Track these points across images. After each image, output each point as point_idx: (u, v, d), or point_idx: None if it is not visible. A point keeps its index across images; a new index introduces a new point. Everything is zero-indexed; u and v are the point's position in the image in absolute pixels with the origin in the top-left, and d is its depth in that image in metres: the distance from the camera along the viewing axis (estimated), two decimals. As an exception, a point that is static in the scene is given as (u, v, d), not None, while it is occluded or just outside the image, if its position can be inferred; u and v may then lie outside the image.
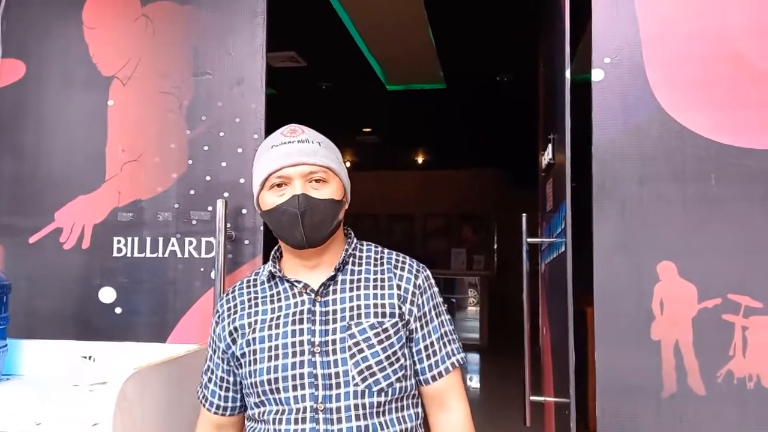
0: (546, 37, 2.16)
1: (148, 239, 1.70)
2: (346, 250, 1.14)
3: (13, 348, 1.50)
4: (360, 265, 1.14)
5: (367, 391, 1.05)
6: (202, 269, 1.67)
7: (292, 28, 3.71)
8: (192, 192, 1.70)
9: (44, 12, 1.80)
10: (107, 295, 1.71)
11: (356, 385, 1.05)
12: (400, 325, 1.09)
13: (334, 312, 1.08)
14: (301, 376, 1.06)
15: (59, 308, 1.72)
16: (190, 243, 1.69)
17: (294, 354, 1.07)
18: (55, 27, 1.78)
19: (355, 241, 1.18)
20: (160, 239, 1.70)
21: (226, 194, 1.67)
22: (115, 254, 1.71)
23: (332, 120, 6.26)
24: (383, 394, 1.06)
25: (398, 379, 1.08)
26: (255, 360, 1.08)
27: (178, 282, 1.68)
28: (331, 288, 1.11)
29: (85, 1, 1.77)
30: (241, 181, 1.68)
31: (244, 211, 1.67)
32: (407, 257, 1.18)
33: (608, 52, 1.45)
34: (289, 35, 3.94)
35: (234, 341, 1.12)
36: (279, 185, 1.08)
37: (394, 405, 1.08)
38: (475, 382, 5.82)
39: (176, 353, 1.42)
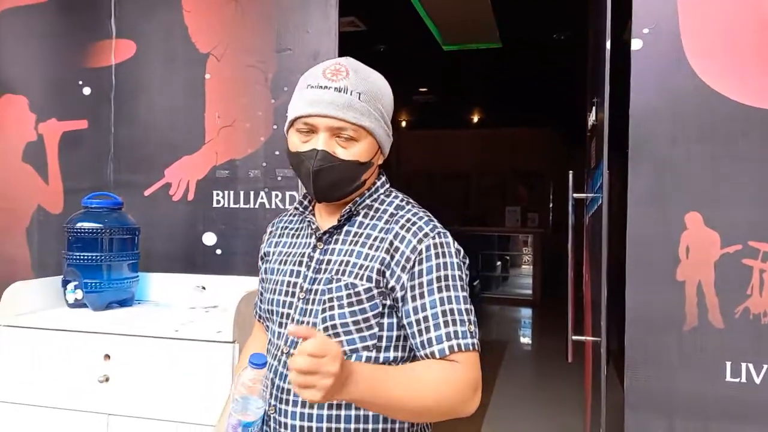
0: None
1: (242, 192, 2.02)
2: (356, 202, 1.06)
3: (142, 279, 1.87)
4: (372, 218, 1.06)
5: None
6: (286, 218, 1.98)
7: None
8: (276, 152, 1.99)
9: (149, -2, 2.09)
10: (209, 238, 2.05)
11: None
12: (375, 292, 1.00)
13: (328, 262, 1.04)
14: (285, 315, 1.06)
15: (170, 249, 2.07)
16: (276, 196, 1.99)
17: (286, 293, 1.07)
18: (160, 11, 2.07)
19: (379, 192, 1.10)
20: (251, 192, 2.01)
21: (305, 154, 1.94)
22: (214, 205, 2.04)
23: (389, 80, 6.46)
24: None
25: (366, 348, 1.01)
26: (265, 288, 1.13)
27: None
28: (334, 237, 1.07)
29: (184, -13, 2.05)
30: (318, 142, 1.95)
31: (321, 168, 1.95)
32: (426, 219, 1.05)
33: (647, 23, 1.60)
34: (350, 1, 4.13)
35: (263, 263, 1.17)
36: (306, 130, 1.01)
37: None
38: (526, 337, 6.07)
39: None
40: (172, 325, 1.50)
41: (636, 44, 1.61)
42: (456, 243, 1.06)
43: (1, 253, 2.25)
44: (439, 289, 0.99)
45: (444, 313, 0.98)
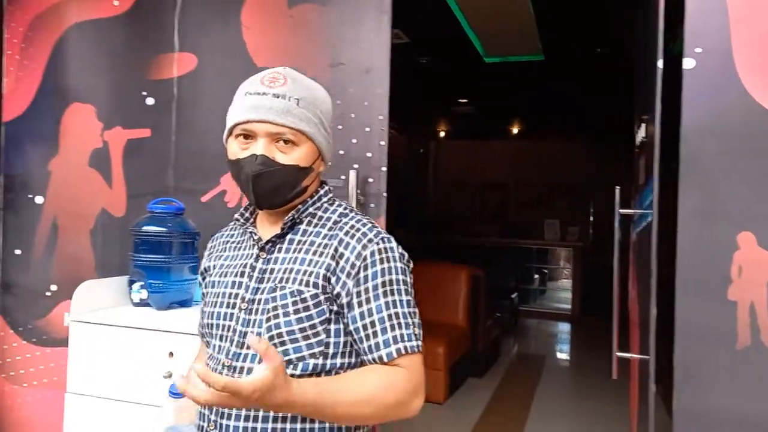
0: (642, 15, 2.28)
1: (293, 201, 2.09)
2: (298, 209, 1.07)
3: (198, 282, 1.96)
4: (315, 226, 1.07)
5: None
6: (335, 227, 2.04)
7: (399, 7, 3.97)
8: (328, 163, 2.05)
9: (211, 14, 2.20)
10: (261, 245, 2.13)
11: None
12: (321, 297, 1.00)
13: (271, 271, 1.04)
14: (226, 328, 1.05)
15: (224, 254, 2.16)
16: (326, 205, 2.06)
17: (227, 305, 1.06)
18: (220, 27, 2.18)
19: (322, 201, 1.10)
20: (302, 201, 2.08)
21: (356, 165, 2.00)
22: (266, 213, 2.12)
23: (429, 92, 6.53)
24: (291, 366, 0.99)
25: (313, 355, 1.00)
26: (205, 302, 1.11)
27: (317, 236, 2.05)
28: (277, 246, 1.06)
29: (243, 4, 2.15)
30: (368, 155, 2.00)
31: (370, 180, 2.00)
32: (370, 226, 1.06)
33: (699, 43, 1.61)
34: (396, 15, 4.21)
35: (203, 279, 1.17)
36: (245, 137, 1.02)
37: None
38: (564, 352, 5.98)
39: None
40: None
41: (688, 63, 1.62)
42: (400, 247, 1.07)
43: (67, 253, 2.38)
44: (384, 294, 1.00)
45: (390, 317, 1.00)
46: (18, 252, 2.47)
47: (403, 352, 0.99)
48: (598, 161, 7.63)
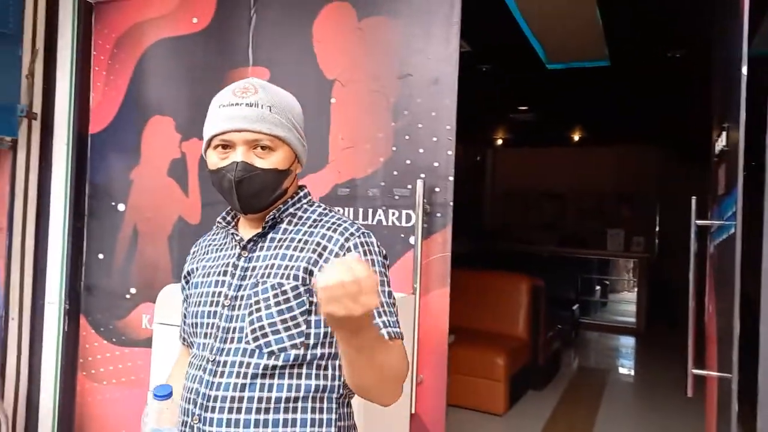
0: (720, 17, 2.19)
1: (360, 210, 2.13)
2: (279, 209, 1.12)
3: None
4: (296, 225, 1.12)
5: (257, 351, 1.03)
6: (402, 235, 2.06)
7: (464, 17, 3.98)
8: (395, 173, 2.08)
9: (283, 29, 2.28)
10: (328, 252, 2.17)
11: (247, 343, 1.04)
12: (302, 289, 1.04)
13: (253, 269, 1.08)
14: (209, 325, 1.09)
15: (293, 261, 2.22)
16: (393, 214, 2.08)
17: (210, 303, 1.10)
18: (292, 41, 2.25)
19: (302, 202, 1.15)
20: (370, 210, 2.12)
21: (422, 175, 2.02)
22: (334, 221, 2.17)
23: (488, 99, 6.49)
24: (273, 357, 1.03)
25: (294, 346, 1.03)
26: (189, 303, 1.16)
27: (383, 244, 2.06)
28: (258, 245, 1.11)
29: (315, 19, 2.21)
30: (435, 164, 2.02)
31: (437, 189, 2.02)
32: (350, 222, 1.11)
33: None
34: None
35: (187, 282, 1.20)
36: (224, 147, 1.06)
37: (286, 371, 1.03)
38: (627, 368, 5.77)
39: (389, 299, 1.82)
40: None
41: (776, 68, 1.55)
42: (379, 243, 1.13)
43: (146, 258, 2.52)
44: None
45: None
46: (101, 256, 2.62)
47: (393, 336, 1.03)
48: (665, 169, 7.35)
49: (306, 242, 1.08)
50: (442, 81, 2.01)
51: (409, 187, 2.04)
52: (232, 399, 1.02)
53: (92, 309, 2.65)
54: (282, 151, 1.08)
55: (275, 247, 1.09)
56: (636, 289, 7.26)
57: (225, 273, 1.10)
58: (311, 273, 1.04)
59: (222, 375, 1.04)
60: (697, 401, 2.53)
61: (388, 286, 1.09)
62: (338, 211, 1.17)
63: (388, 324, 1.04)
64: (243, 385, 1.02)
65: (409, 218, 2.05)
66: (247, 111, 1.04)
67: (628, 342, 6.71)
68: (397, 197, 2.07)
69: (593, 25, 4.17)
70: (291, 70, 2.26)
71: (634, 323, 7.00)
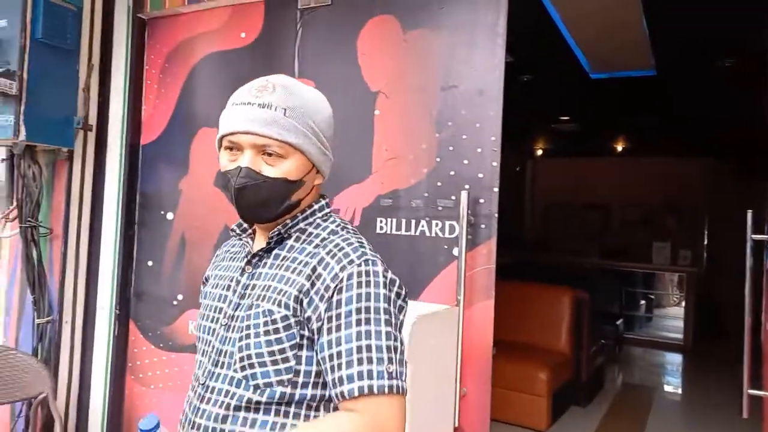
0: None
1: (403, 220, 2.14)
2: (286, 224, 1.02)
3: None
4: (303, 242, 1.01)
5: (243, 381, 0.95)
6: (445, 246, 2.05)
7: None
8: (439, 184, 2.08)
9: (329, 42, 2.32)
10: (371, 263, 2.18)
11: (235, 371, 0.96)
12: (292, 320, 0.94)
13: (252, 287, 1.01)
14: (207, 343, 1.03)
15: (336, 271, 2.24)
16: (436, 225, 2.08)
17: (211, 320, 1.04)
18: (337, 54, 2.29)
19: (316, 216, 1.05)
20: (413, 221, 2.12)
21: (467, 186, 2.01)
22: (377, 231, 2.18)
23: (529, 109, 6.42)
24: (258, 391, 0.94)
25: (281, 382, 0.93)
26: (198, 314, 1.10)
27: (426, 255, 2.08)
28: (263, 261, 1.03)
29: (360, 32, 2.25)
30: (480, 176, 2.01)
31: (481, 200, 2.00)
32: (357, 245, 0.98)
33: None
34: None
35: (203, 288, 1.15)
36: (233, 149, 0.99)
37: (272, 407, 0.94)
38: (674, 386, 5.57)
39: (433, 309, 1.82)
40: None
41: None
42: (390, 273, 0.97)
43: (193, 266, 2.58)
44: (358, 322, 0.90)
45: (359, 349, 0.88)
46: (150, 263, 2.71)
47: (366, 391, 0.87)
48: (713, 181, 7.11)
49: (305, 264, 0.97)
50: (487, 92, 2.00)
51: (453, 198, 2.04)
52: (214, 429, 0.95)
53: (141, 314, 2.73)
54: (294, 159, 0.98)
55: (277, 266, 1.00)
56: (683, 304, 7.01)
57: (228, 287, 1.04)
58: (301, 302, 0.94)
59: (208, 402, 0.98)
60: (753, 423, 2.43)
61: (387, 326, 0.91)
62: (354, 231, 1.05)
63: (364, 375, 0.88)
64: (225, 417, 0.95)
65: (452, 229, 2.04)
66: (258, 113, 0.95)
67: (674, 359, 6.49)
68: (440, 208, 2.07)
69: (639, 34, 4.09)
70: (336, 82, 2.29)
71: (681, 339, 6.76)
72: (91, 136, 2.72)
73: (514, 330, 4.09)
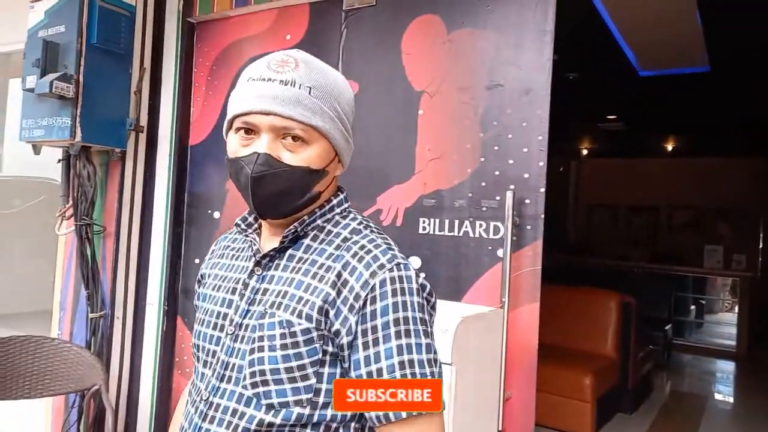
0: None
1: (447, 221, 2.12)
2: (303, 221, 0.89)
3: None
4: (321, 242, 0.89)
5: (254, 400, 0.84)
6: (489, 248, 2.03)
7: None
8: (483, 184, 2.05)
9: (373, 43, 2.32)
10: (414, 262, 2.18)
11: (244, 387, 0.85)
12: (314, 334, 0.83)
13: (264, 292, 0.89)
14: (211, 353, 0.91)
15: (378, 271, 2.24)
16: (480, 225, 2.05)
17: (214, 327, 0.92)
18: (381, 54, 2.29)
19: (335, 212, 0.93)
20: (456, 221, 2.10)
21: (512, 186, 1.98)
22: (420, 231, 2.17)
23: (573, 108, 6.28)
24: (272, 412, 0.83)
25: (298, 402, 0.82)
26: (196, 318, 0.98)
27: (470, 256, 2.06)
28: (275, 262, 0.90)
29: (404, 32, 2.24)
30: (525, 176, 1.97)
31: (527, 201, 1.97)
32: (385, 248, 0.87)
33: None
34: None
35: (199, 287, 1.03)
36: (247, 131, 0.86)
37: (286, 430, 0.83)
38: (726, 395, 5.35)
39: (477, 311, 1.80)
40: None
41: None
42: (421, 277, 0.87)
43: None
44: (397, 335, 0.80)
45: (402, 365, 0.80)
46: (197, 261, 2.77)
47: (414, 412, 0.79)
48: (769, 182, 6.80)
49: (328, 269, 0.85)
50: (534, 91, 1.97)
51: (498, 198, 2.01)
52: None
53: (188, 311, 2.79)
54: (318, 145, 0.86)
55: (292, 269, 0.88)
56: (736, 310, 6.73)
57: (234, 291, 0.92)
58: (327, 314, 0.82)
59: (212, 421, 0.86)
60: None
61: (426, 337, 0.83)
62: (378, 229, 0.94)
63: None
64: None
65: (497, 230, 2.01)
66: (279, 90, 0.82)
67: (726, 366, 6.24)
68: (484, 209, 2.05)
69: (693, 30, 3.94)
70: (380, 82, 2.29)
71: (734, 346, 6.50)
72: (142, 137, 2.81)
73: (557, 334, 4.01)
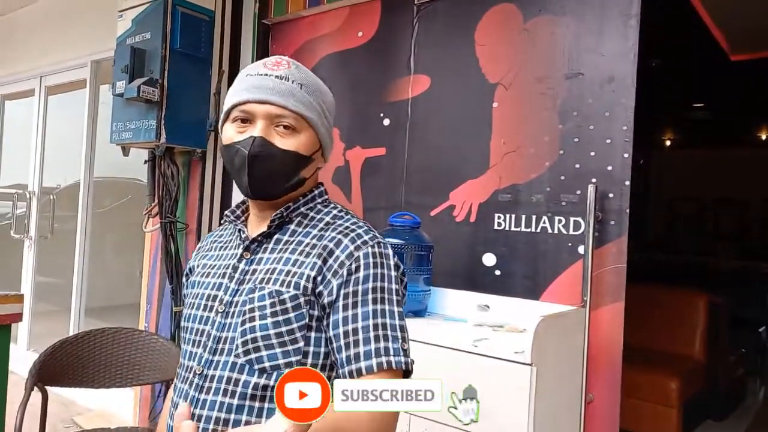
0: None
1: (523, 216, 2.05)
2: (288, 207, 1.00)
3: (432, 293, 2.03)
4: (306, 227, 1.00)
5: (247, 366, 0.92)
6: (569, 244, 1.95)
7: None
8: (562, 177, 1.97)
9: (445, 36, 2.29)
10: (489, 259, 2.13)
11: (237, 356, 0.93)
12: (301, 300, 0.92)
13: (253, 272, 0.98)
14: (200, 333, 0.99)
15: (452, 267, 2.20)
16: (560, 221, 1.97)
17: (204, 308, 1.00)
18: (454, 47, 2.25)
19: (316, 201, 1.03)
20: (533, 217, 2.03)
21: (593, 180, 1.89)
22: (495, 227, 2.11)
23: (655, 97, 5.94)
24: (264, 375, 0.91)
25: (288, 365, 0.91)
26: (185, 304, 1.07)
27: (548, 253, 1.99)
28: (263, 246, 1.00)
29: (478, 23, 2.19)
30: (609, 168, 1.88)
31: (610, 195, 1.87)
32: (366, 228, 0.98)
33: None
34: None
35: (186, 279, 1.12)
36: (243, 120, 0.97)
37: None
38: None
39: (557, 310, 1.73)
40: (468, 340, 1.60)
41: None
42: (395, 258, 0.98)
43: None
44: (374, 301, 0.91)
45: (376, 326, 0.90)
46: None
47: (385, 366, 0.87)
48: None
49: (314, 246, 0.96)
50: (618, 79, 1.87)
51: (578, 192, 1.93)
52: (217, 420, 0.92)
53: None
54: (306, 134, 0.98)
55: (279, 250, 0.98)
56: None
57: (224, 275, 1.01)
58: (314, 281, 0.93)
59: (209, 391, 0.93)
60: None
61: (399, 306, 0.94)
62: (356, 216, 1.04)
63: (382, 352, 0.88)
64: (230, 406, 0.91)
65: (577, 226, 1.93)
66: (275, 83, 0.95)
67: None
68: (564, 203, 1.97)
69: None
70: (452, 75, 2.25)
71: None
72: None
73: (641, 334, 3.78)
